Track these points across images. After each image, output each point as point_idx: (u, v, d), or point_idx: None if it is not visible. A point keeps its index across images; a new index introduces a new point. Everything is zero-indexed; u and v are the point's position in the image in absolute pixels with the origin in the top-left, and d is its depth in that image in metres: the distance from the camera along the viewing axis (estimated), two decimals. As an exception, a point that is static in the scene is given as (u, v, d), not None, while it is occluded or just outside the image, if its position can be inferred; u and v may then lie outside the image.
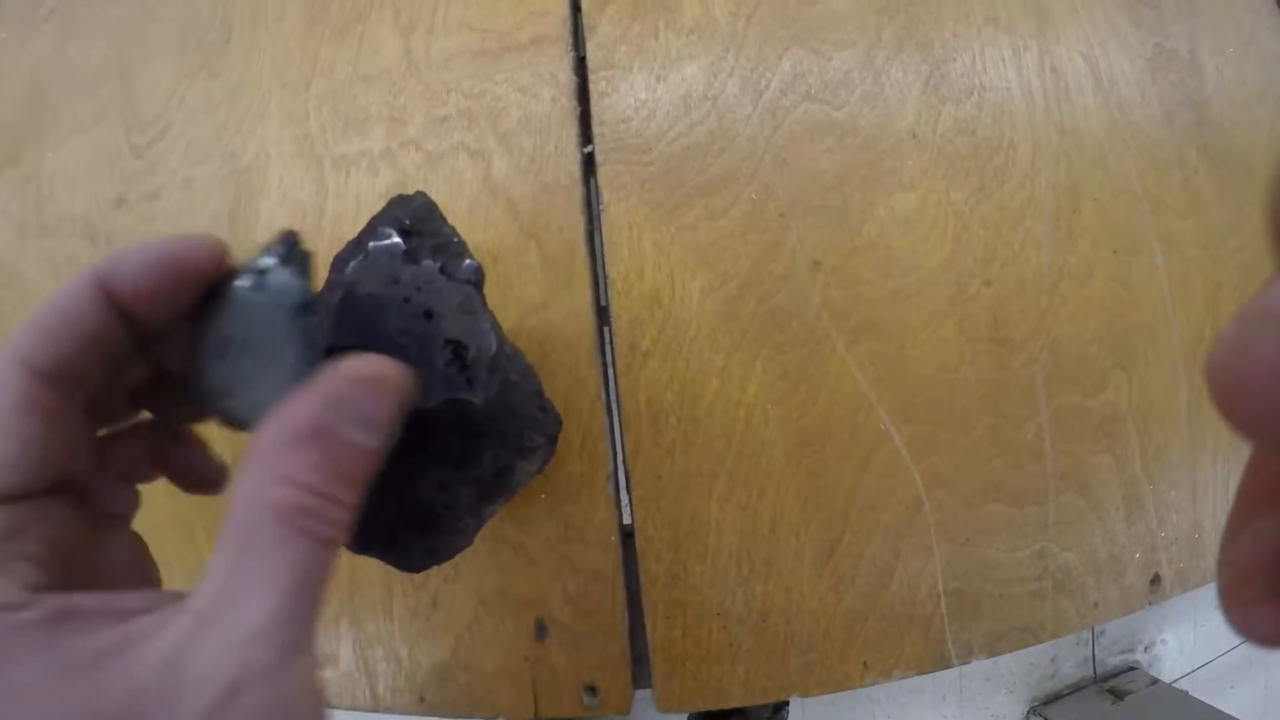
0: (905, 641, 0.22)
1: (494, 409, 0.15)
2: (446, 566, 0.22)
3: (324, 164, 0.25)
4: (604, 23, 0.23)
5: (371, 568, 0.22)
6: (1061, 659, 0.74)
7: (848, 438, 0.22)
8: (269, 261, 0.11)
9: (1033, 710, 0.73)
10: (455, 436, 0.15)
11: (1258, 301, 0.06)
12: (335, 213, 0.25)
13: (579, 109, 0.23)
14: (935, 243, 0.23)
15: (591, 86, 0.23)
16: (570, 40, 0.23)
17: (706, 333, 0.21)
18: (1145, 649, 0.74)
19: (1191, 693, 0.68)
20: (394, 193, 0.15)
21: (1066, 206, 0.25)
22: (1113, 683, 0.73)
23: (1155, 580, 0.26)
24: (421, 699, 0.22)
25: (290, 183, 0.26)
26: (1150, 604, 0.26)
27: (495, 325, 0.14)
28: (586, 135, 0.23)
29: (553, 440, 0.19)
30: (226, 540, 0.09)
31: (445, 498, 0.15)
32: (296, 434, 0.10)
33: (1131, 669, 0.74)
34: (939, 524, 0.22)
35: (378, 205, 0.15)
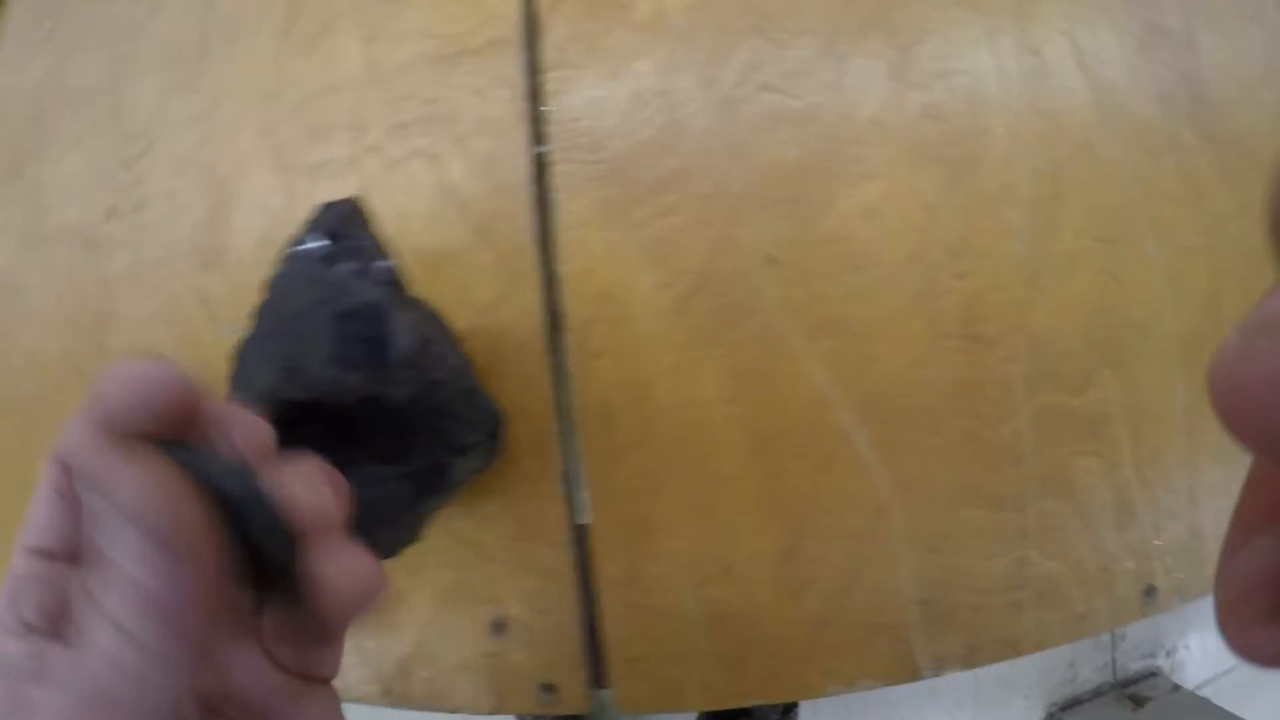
0: (872, 651, 0.21)
1: (422, 407, 0.14)
2: (408, 561, 0.22)
3: (293, 172, 0.25)
4: (558, 22, 0.23)
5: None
6: (1080, 663, 0.70)
7: (806, 439, 0.21)
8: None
9: (1050, 716, 0.70)
10: (384, 433, 0.14)
11: (1261, 311, 0.06)
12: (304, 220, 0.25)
13: (531, 110, 0.22)
14: (901, 234, 0.22)
15: (545, 87, 0.22)
16: (524, 42, 0.23)
17: (659, 331, 0.21)
18: (1167, 654, 0.70)
19: (1214, 700, 0.64)
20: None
21: (1047, 194, 0.23)
22: (1133, 689, 0.69)
23: (1150, 591, 0.24)
24: (387, 691, 0.22)
25: (262, 191, 0.26)
26: (1145, 615, 0.24)
27: (417, 324, 0.13)
28: (539, 134, 0.22)
29: (492, 437, 0.18)
30: None
31: (379, 493, 0.15)
32: None
33: (1153, 675, 0.70)
34: (908, 529, 0.21)
35: None
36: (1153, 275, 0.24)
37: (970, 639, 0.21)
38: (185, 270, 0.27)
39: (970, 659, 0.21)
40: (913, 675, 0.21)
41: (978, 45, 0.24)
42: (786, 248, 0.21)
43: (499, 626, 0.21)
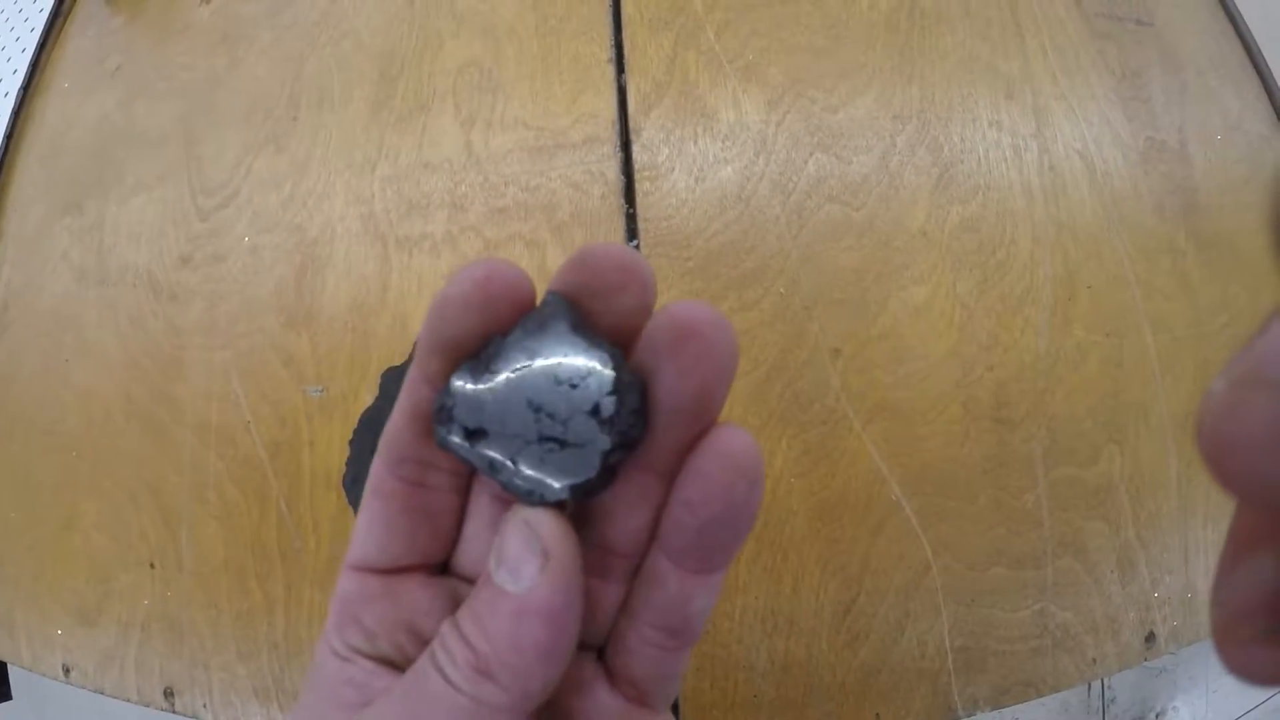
0: (915, 694, 0.26)
1: None
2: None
3: (388, 242, 0.30)
4: (648, 127, 0.28)
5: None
6: (1071, 726, 0.75)
7: (863, 508, 0.26)
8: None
9: (1044, 775, 0.75)
10: None
11: (1248, 362, 0.06)
12: (399, 289, 0.29)
13: (626, 206, 0.28)
14: (943, 331, 0.28)
15: (637, 186, 0.28)
16: (618, 142, 0.28)
17: (738, 413, 0.26)
18: (1157, 716, 0.75)
19: (1207, 757, 0.70)
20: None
21: (1063, 295, 0.30)
22: (1126, 749, 0.74)
23: (1150, 637, 0.30)
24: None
25: (356, 257, 0.30)
26: (1146, 660, 0.30)
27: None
28: (631, 230, 0.28)
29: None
30: None
31: None
32: None
33: (1144, 736, 0.75)
34: (946, 586, 0.27)
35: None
36: (1150, 363, 0.31)
37: (998, 682, 0.27)
38: (268, 326, 0.31)
39: (998, 700, 0.27)
40: (951, 715, 0.26)
41: (1006, 164, 0.30)
42: (849, 342, 0.27)
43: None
